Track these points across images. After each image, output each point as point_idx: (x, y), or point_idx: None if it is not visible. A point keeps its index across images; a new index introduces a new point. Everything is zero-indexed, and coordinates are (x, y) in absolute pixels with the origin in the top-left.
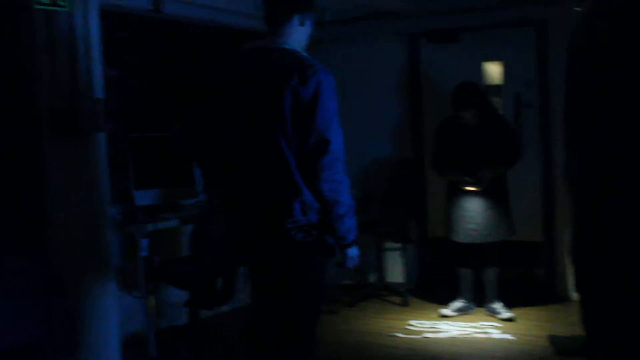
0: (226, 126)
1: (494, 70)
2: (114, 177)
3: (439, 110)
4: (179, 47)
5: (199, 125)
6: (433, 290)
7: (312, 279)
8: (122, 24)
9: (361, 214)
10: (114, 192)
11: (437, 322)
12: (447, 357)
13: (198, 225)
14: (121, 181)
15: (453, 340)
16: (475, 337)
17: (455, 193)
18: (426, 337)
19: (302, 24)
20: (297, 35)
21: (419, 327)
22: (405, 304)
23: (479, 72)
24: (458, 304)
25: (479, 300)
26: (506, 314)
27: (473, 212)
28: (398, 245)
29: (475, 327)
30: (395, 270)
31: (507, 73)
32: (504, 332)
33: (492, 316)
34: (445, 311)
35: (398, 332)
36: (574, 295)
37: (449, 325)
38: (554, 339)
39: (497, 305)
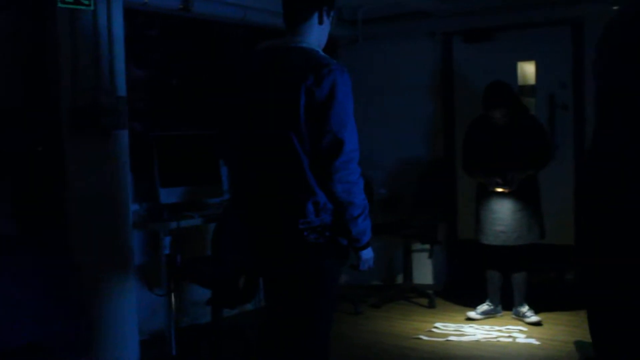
0: (242, 125)
1: (528, 70)
2: (140, 176)
3: (471, 110)
4: (208, 46)
5: (221, 125)
6: (461, 292)
7: (325, 280)
8: (152, 23)
9: (389, 214)
10: (140, 190)
11: (463, 325)
12: None
13: (221, 224)
14: (147, 179)
15: (476, 343)
16: (499, 341)
17: (484, 194)
18: (450, 340)
19: (320, 23)
20: (315, 34)
21: (443, 329)
22: (431, 306)
23: (513, 72)
24: (485, 307)
25: (506, 304)
26: (533, 317)
27: (502, 214)
28: (426, 246)
29: (500, 331)
30: (423, 271)
31: (542, 73)
32: (529, 337)
33: (519, 320)
34: (472, 314)
35: (422, 335)
36: None
37: (474, 329)
38: (580, 345)
39: (524, 309)
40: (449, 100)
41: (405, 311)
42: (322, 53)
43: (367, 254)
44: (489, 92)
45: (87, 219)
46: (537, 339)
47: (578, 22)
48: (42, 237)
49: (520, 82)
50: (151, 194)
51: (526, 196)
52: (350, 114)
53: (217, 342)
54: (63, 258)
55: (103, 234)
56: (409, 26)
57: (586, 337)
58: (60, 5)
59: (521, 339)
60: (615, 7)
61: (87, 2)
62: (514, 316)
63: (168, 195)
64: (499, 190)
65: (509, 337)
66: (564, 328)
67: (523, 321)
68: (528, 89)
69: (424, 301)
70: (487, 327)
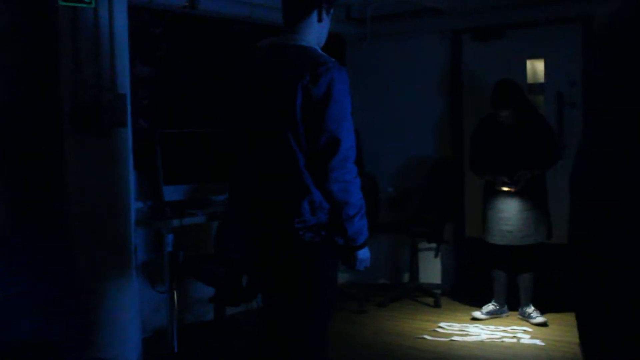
0: (240, 123)
1: (538, 69)
2: (145, 173)
3: (480, 109)
4: (214, 44)
5: (222, 123)
6: (467, 291)
7: (320, 280)
8: (157, 20)
9: (396, 213)
10: (144, 188)
11: (468, 325)
12: None
13: (224, 222)
14: (151, 177)
15: (480, 344)
16: (503, 342)
17: (491, 193)
18: (454, 340)
19: (320, 21)
20: (315, 32)
21: (448, 329)
22: (437, 306)
23: (523, 70)
24: (490, 307)
25: (512, 304)
26: (539, 318)
27: (509, 214)
28: (433, 245)
29: (505, 332)
30: (430, 270)
31: (550, 71)
32: (533, 337)
33: (525, 320)
34: (477, 314)
35: (426, 334)
36: None
37: (479, 329)
38: None
39: (530, 310)
40: (457, 99)
41: (410, 310)
42: (320, 51)
43: (364, 253)
44: (497, 90)
45: (88, 216)
46: (542, 339)
47: (588, 19)
48: (42, 234)
49: (529, 80)
50: (155, 191)
51: (533, 196)
52: (347, 113)
53: (219, 340)
54: (64, 255)
55: (104, 232)
56: (417, 24)
57: None
58: (61, 3)
59: (526, 339)
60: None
61: (88, 0)
62: (519, 317)
63: (172, 193)
64: (506, 189)
65: (514, 337)
66: (570, 329)
67: (529, 322)
68: (537, 87)
69: (430, 300)
70: (492, 327)
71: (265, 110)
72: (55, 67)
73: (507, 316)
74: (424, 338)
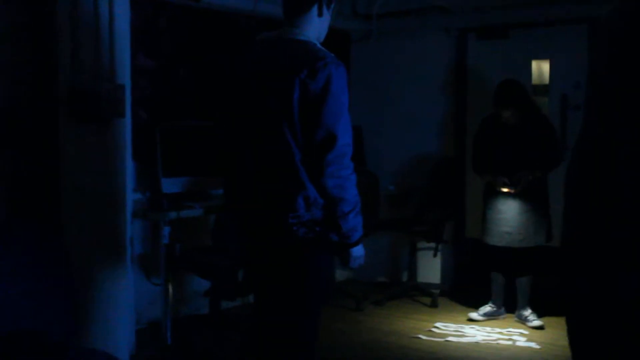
0: (237, 117)
1: (543, 70)
2: (144, 165)
3: (484, 109)
4: (217, 37)
5: (219, 116)
6: (465, 292)
7: (314, 276)
8: (161, 13)
9: (396, 211)
10: (143, 180)
11: (464, 325)
12: None
13: (221, 215)
14: (150, 169)
15: (475, 345)
16: (498, 344)
17: (491, 194)
18: (449, 341)
19: (320, 15)
20: (314, 27)
21: (444, 330)
22: (434, 305)
23: (528, 71)
24: (487, 308)
25: (510, 306)
26: (536, 321)
27: (508, 215)
28: (432, 244)
29: (501, 333)
30: (428, 270)
31: (555, 72)
32: (529, 340)
33: (521, 323)
34: (474, 315)
35: (422, 334)
36: None
37: (475, 330)
38: None
39: (527, 313)
40: (461, 98)
41: (407, 310)
42: (319, 46)
43: (358, 251)
44: (500, 90)
45: (83, 206)
46: (538, 343)
47: (594, 20)
48: (36, 223)
49: (534, 81)
50: (154, 183)
51: (534, 198)
52: (344, 109)
53: (214, 333)
54: (57, 244)
55: (98, 222)
56: (423, 22)
57: None
58: None
59: (521, 342)
60: None
61: None
62: (516, 319)
63: (170, 185)
64: (506, 190)
65: (509, 340)
66: (566, 333)
67: (525, 325)
68: (542, 88)
69: (427, 300)
70: (488, 328)
71: (263, 104)
72: (53, 57)
73: (504, 318)
74: (420, 338)
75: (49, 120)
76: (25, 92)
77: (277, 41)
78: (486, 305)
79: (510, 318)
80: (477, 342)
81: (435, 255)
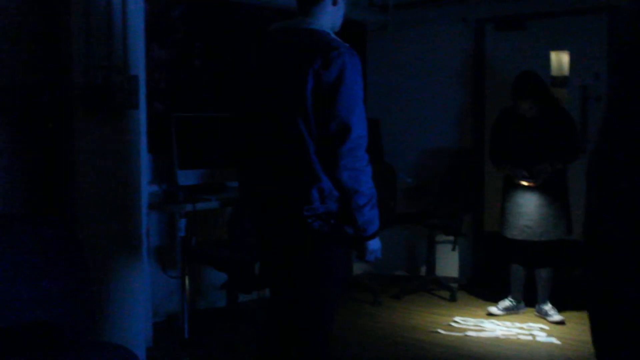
0: (250, 108)
1: (562, 60)
2: (160, 157)
3: (502, 101)
4: (233, 28)
5: (234, 107)
6: (484, 286)
7: (328, 269)
8: (176, 4)
9: (414, 204)
10: (160, 172)
11: (483, 320)
12: (485, 357)
13: (237, 208)
14: (166, 160)
15: (495, 340)
16: (518, 339)
17: (510, 187)
18: (468, 336)
19: (334, 4)
20: (328, 16)
21: (462, 324)
22: (453, 300)
23: (546, 62)
24: (507, 302)
25: (530, 301)
26: (556, 316)
27: (527, 208)
28: (450, 238)
29: (521, 328)
30: (447, 263)
31: (575, 63)
32: (550, 336)
33: (541, 318)
34: (493, 309)
35: (440, 328)
36: None
37: (495, 325)
38: None
39: (548, 307)
40: (479, 90)
41: (425, 304)
42: (333, 35)
43: (374, 244)
44: (518, 82)
45: (97, 197)
46: (559, 338)
47: (615, 10)
48: (51, 216)
49: (553, 72)
50: (170, 175)
51: (553, 190)
52: (359, 100)
53: (231, 326)
54: (72, 237)
55: (113, 215)
56: (440, 12)
57: None
58: None
59: (542, 337)
60: None
61: None
62: (536, 314)
63: (186, 177)
64: (525, 183)
65: (529, 335)
66: (588, 329)
67: (546, 319)
68: (561, 80)
69: (446, 294)
70: (507, 323)
71: (276, 95)
72: (66, 48)
73: (524, 313)
74: (438, 332)
75: (63, 112)
76: (38, 84)
77: (291, 31)
78: (505, 300)
79: (530, 312)
80: (496, 337)
81: (453, 249)
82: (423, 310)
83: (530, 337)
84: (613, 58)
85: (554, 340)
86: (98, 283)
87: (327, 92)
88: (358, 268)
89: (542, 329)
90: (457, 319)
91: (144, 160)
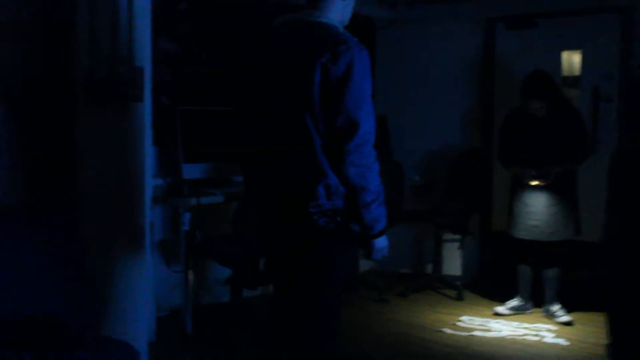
0: (257, 103)
1: (573, 60)
2: (165, 150)
3: (511, 100)
4: (240, 21)
5: (241, 102)
6: (491, 286)
7: (333, 267)
8: None
9: (422, 202)
10: (165, 165)
11: (490, 320)
12: (492, 358)
13: (243, 202)
14: (171, 154)
15: (501, 340)
16: (525, 340)
17: (518, 187)
18: (474, 335)
19: None
20: (337, 10)
21: (469, 324)
22: (459, 299)
23: (557, 62)
24: (514, 302)
25: (537, 301)
26: (564, 317)
27: (536, 208)
28: (457, 236)
29: (528, 329)
30: (453, 262)
31: (586, 64)
32: (557, 337)
33: (549, 318)
34: (500, 309)
35: (446, 328)
36: None
37: (501, 325)
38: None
39: (555, 308)
40: (488, 89)
41: (431, 302)
42: (342, 29)
43: (381, 242)
44: (529, 81)
45: (100, 192)
46: (566, 339)
47: (628, 9)
48: (53, 209)
49: (564, 72)
50: (175, 169)
51: (562, 190)
52: (367, 95)
53: (235, 322)
54: (75, 231)
55: (117, 208)
56: (450, 10)
57: None
58: None
59: (549, 338)
60: None
61: None
62: (544, 314)
63: (191, 171)
64: (534, 183)
65: (537, 335)
66: (596, 330)
67: (553, 320)
68: (572, 80)
69: (452, 293)
70: (514, 323)
71: (283, 88)
72: (70, 39)
73: (531, 313)
74: (444, 331)
75: (66, 104)
76: (41, 75)
77: (299, 24)
78: (513, 299)
79: (538, 313)
80: (503, 337)
81: (461, 247)
82: (429, 309)
83: (537, 338)
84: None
85: (562, 341)
86: (101, 277)
87: (334, 87)
88: (364, 265)
89: (549, 330)
90: (463, 318)
91: (149, 153)
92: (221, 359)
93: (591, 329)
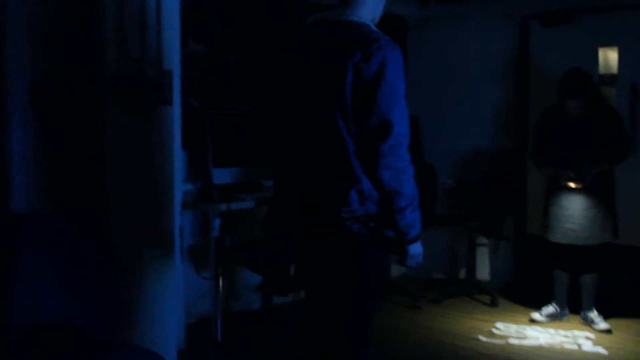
0: (288, 105)
1: (610, 58)
2: (195, 154)
3: (547, 100)
4: (270, 22)
5: (270, 104)
6: (526, 291)
7: (367, 274)
8: None
9: (454, 205)
10: (194, 170)
11: (525, 326)
12: None
13: (272, 208)
14: (201, 158)
15: (538, 348)
16: (563, 348)
17: (554, 189)
18: (509, 343)
19: None
20: (369, 8)
21: (504, 331)
22: (494, 305)
23: (594, 59)
24: (550, 309)
25: (574, 307)
26: (602, 324)
27: (572, 211)
28: (492, 241)
29: (565, 336)
30: (487, 267)
31: (624, 60)
32: (596, 345)
33: (587, 326)
34: (536, 316)
35: (481, 335)
36: None
37: (537, 332)
38: None
39: (593, 315)
40: (523, 88)
41: (465, 308)
42: (374, 28)
43: (416, 248)
44: (566, 79)
45: (128, 197)
46: (605, 347)
47: None
48: (80, 214)
49: (601, 70)
50: (204, 173)
51: (600, 192)
52: (400, 95)
53: (265, 329)
54: (102, 236)
55: (146, 213)
56: (483, 7)
57: None
58: None
59: (587, 346)
60: None
61: None
62: (581, 321)
63: (221, 176)
64: (572, 185)
65: (575, 343)
66: (636, 337)
67: (591, 327)
68: (609, 78)
69: (486, 299)
70: (551, 331)
71: (314, 89)
72: (99, 42)
73: (568, 320)
74: (479, 339)
75: (95, 108)
76: (70, 79)
77: (330, 23)
78: (549, 306)
79: (575, 320)
80: (539, 345)
81: (495, 252)
82: (463, 315)
83: (575, 346)
84: None
85: (601, 349)
86: (129, 283)
87: (367, 87)
88: (396, 271)
89: (587, 338)
90: (498, 325)
91: (178, 157)
92: None
93: (631, 337)
